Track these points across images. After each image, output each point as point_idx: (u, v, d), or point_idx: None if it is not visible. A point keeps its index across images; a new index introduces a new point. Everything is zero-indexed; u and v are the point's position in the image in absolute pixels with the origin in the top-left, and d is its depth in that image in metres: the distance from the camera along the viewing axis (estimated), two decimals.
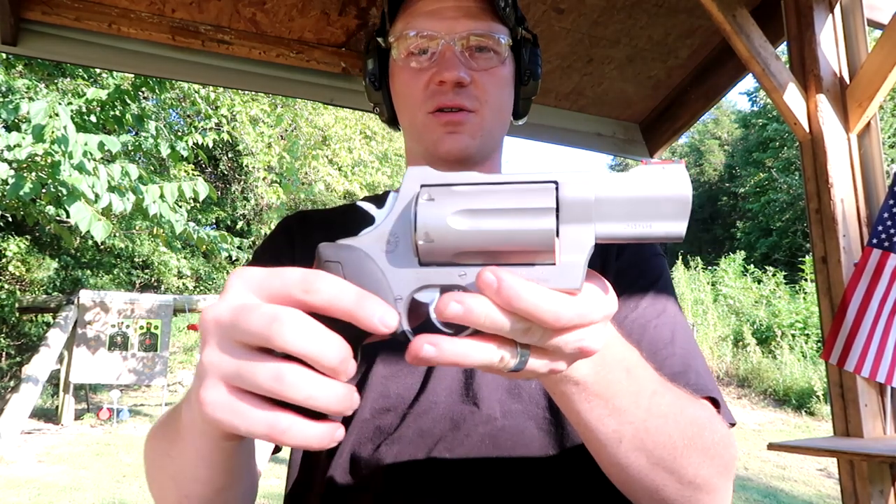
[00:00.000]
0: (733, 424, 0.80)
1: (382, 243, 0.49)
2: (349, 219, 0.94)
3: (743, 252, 17.54)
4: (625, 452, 0.62)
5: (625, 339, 0.60)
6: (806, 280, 13.52)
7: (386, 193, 1.04)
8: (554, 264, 0.45)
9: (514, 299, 0.42)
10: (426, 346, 0.44)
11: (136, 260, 13.87)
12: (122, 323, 9.84)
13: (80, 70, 9.72)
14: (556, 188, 0.46)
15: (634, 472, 0.64)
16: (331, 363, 0.44)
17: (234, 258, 9.45)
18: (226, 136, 8.15)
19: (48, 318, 11.23)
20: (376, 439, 0.82)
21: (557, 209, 0.45)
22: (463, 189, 0.47)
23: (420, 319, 0.50)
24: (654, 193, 0.45)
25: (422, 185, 0.48)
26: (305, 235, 0.98)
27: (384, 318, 0.44)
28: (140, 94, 6.96)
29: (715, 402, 0.78)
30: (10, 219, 9.66)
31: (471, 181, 0.48)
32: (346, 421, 0.82)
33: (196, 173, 12.25)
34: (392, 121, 1.00)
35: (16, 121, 6.71)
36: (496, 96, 0.90)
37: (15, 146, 5.08)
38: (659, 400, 0.62)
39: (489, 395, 0.82)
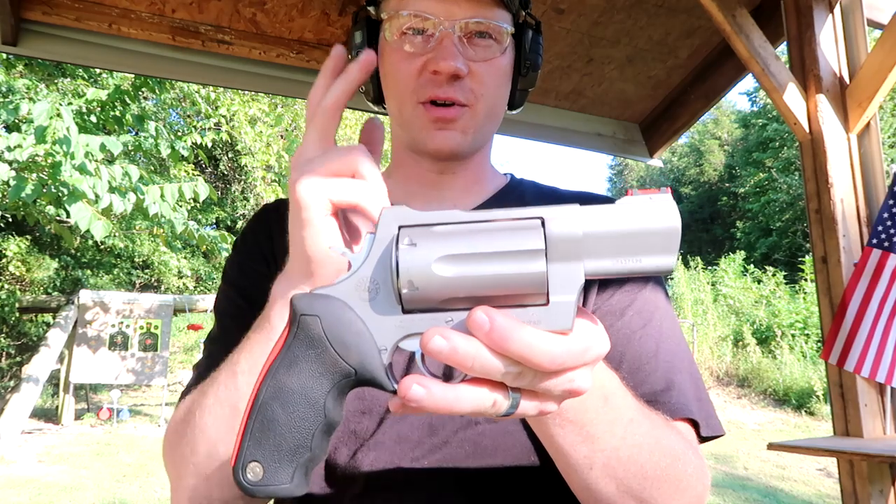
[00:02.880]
0: (720, 435, 0.78)
1: (362, 291, 0.46)
2: None
3: (743, 252, 17.55)
4: (595, 478, 0.62)
5: (605, 364, 0.58)
6: (806, 280, 13.52)
7: None
8: (545, 305, 0.43)
9: (507, 341, 0.40)
10: (415, 387, 0.41)
11: (136, 260, 13.88)
12: (122, 323, 9.83)
13: (81, 70, 9.74)
14: (543, 225, 0.43)
15: (603, 498, 0.64)
16: None
17: None
18: (225, 136, 8.15)
19: (48, 317, 11.23)
20: (353, 444, 0.78)
21: (546, 248, 0.43)
22: (444, 230, 0.44)
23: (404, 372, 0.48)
24: (642, 227, 0.43)
25: (399, 227, 0.45)
26: (284, 227, 0.93)
27: None
28: (140, 94, 6.96)
29: (696, 423, 0.76)
30: (10, 219, 9.67)
31: (451, 220, 0.45)
32: None
33: (196, 173, 12.27)
34: (378, 100, 0.91)
35: (16, 121, 6.72)
36: (493, 90, 0.83)
37: (16, 147, 5.08)
38: (635, 429, 0.61)
39: None
